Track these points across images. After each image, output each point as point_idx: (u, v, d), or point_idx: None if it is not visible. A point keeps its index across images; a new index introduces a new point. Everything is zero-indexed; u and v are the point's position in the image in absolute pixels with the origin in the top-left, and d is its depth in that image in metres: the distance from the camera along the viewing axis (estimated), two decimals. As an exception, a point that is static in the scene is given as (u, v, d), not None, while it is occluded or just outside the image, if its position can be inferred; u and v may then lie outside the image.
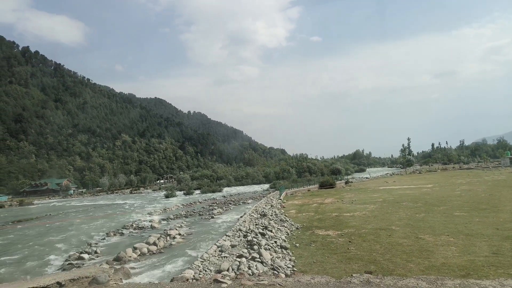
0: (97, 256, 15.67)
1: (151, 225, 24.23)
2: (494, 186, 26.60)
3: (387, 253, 10.43)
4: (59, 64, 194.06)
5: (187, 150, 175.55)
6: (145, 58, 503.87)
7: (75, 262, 14.51)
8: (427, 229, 13.27)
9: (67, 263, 14.43)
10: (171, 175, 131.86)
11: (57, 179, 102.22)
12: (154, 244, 16.45)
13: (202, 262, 9.21)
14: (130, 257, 14.57)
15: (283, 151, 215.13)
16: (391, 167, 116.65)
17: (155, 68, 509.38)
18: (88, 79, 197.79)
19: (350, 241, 12.36)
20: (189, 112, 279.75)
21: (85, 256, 15.35)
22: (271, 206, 23.70)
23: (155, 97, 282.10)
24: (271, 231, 13.88)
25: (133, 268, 13.22)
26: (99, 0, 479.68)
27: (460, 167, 59.88)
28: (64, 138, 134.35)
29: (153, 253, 15.37)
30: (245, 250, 10.54)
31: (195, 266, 8.73)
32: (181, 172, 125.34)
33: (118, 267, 13.43)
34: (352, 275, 5.03)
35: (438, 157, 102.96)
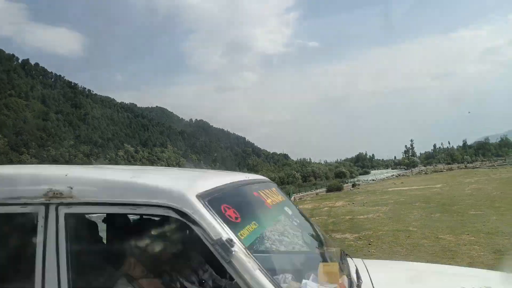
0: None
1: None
2: (504, 184, 26.43)
3: (409, 254, 10.32)
4: (59, 75, 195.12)
5: (190, 158, 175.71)
6: (145, 67, 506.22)
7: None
8: (445, 229, 13.14)
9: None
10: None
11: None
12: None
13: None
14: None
15: (286, 156, 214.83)
16: (395, 169, 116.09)
17: (156, 77, 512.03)
18: (89, 90, 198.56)
19: (369, 244, 12.26)
20: (191, 119, 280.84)
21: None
22: (283, 211, 23.51)
23: (156, 106, 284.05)
24: (287, 236, 13.73)
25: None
26: (97, 11, 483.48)
27: (465, 166, 59.68)
28: (66, 150, 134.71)
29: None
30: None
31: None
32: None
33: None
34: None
35: (441, 157, 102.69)
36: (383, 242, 12.27)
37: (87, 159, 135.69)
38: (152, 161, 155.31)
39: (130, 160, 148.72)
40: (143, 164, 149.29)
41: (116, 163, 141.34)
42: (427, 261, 9.47)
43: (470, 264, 8.87)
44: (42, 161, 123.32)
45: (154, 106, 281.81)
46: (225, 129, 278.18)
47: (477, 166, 58.16)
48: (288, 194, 39.93)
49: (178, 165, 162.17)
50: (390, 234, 13.35)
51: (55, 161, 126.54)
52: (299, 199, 35.90)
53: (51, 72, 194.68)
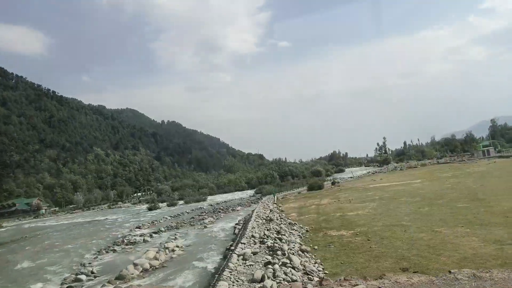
0: (95, 276, 14.53)
1: (143, 239, 23.10)
2: (480, 177, 27.52)
3: (411, 248, 10.25)
4: (21, 76, 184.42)
5: (163, 161, 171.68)
6: (113, 68, 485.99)
7: (74, 284, 13.34)
8: (438, 222, 13.29)
9: (65, 286, 13.22)
10: (149, 187, 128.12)
11: (26, 198, 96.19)
12: (155, 258, 15.54)
13: (231, 272, 8.59)
14: (133, 274, 13.65)
15: (261, 156, 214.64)
16: (368, 166, 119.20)
17: (125, 78, 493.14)
18: (54, 92, 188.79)
19: (368, 240, 12.12)
20: (163, 121, 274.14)
21: (83, 277, 14.19)
22: (270, 210, 23.24)
23: (127, 108, 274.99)
24: (284, 235, 13.45)
25: (139, 285, 12.37)
26: (61, 10, 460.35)
27: (437, 162, 62.09)
28: (31, 155, 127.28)
29: (156, 268, 14.54)
30: (269, 257, 10.02)
31: (226, 277, 8.10)
32: (158, 184, 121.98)
33: (123, 286, 12.48)
34: (449, 271, 4.66)
35: (412, 153, 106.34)
36: (382, 237, 12.16)
37: (54, 164, 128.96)
38: (124, 165, 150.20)
39: (101, 164, 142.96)
40: (114, 168, 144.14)
41: (86, 168, 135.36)
42: (431, 254, 9.47)
43: (475, 256, 8.91)
44: (4, 167, 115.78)
45: (124, 108, 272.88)
46: (199, 130, 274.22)
47: (448, 161, 60.71)
48: (272, 194, 39.83)
49: (152, 168, 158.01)
50: (386, 229, 13.32)
51: (19, 166, 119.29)
52: (282, 198, 35.74)
53: (12, 73, 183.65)
